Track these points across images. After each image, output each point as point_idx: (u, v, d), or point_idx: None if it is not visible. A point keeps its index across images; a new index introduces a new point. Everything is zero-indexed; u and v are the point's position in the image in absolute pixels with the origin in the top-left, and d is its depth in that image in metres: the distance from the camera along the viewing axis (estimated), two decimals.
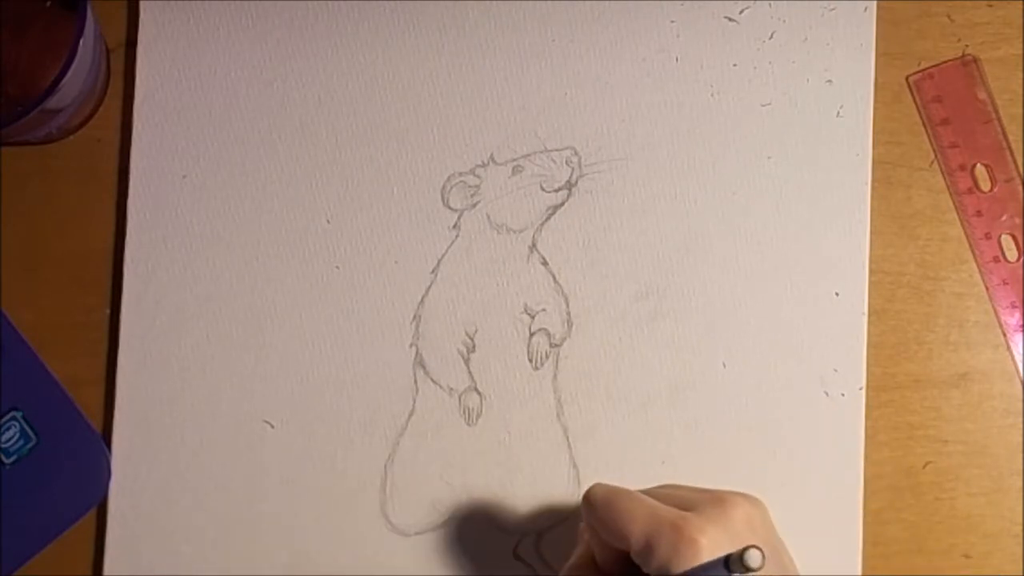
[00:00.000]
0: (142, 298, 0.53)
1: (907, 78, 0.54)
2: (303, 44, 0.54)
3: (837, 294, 0.53)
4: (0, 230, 0.53)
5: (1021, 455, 0.53)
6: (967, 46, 0.54)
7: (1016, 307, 0.54)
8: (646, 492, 0.45)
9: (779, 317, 0.53)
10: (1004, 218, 0.54)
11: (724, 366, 0.53)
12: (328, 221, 0.53)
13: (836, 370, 0.53)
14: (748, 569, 0.36)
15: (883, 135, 0.54)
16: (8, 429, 0.51)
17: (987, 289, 0.54)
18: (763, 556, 0.37)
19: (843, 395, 0.53)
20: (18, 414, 0.51)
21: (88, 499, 0.52)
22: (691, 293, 0.53)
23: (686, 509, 0.43)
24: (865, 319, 0.53)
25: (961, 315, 0.54)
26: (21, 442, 0.51)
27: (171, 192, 0.53)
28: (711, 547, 0.41)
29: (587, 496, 0.45)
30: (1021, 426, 0.53)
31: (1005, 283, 0.54)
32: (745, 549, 0.37)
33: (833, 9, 0.54)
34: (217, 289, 0.53)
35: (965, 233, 0.54)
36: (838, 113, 0.54)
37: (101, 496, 0.52)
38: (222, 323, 0.53)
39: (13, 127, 0.47)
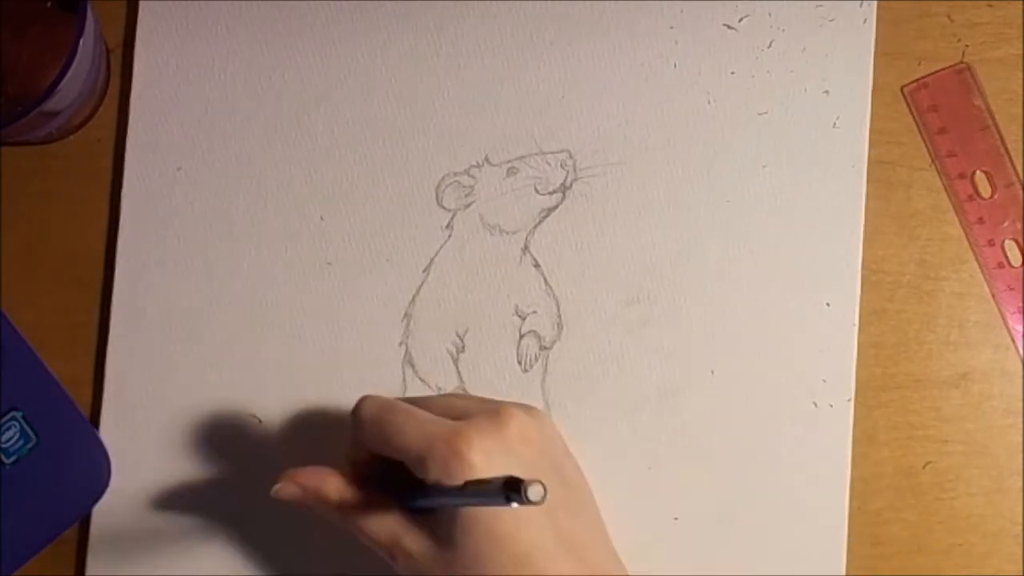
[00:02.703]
0: (133, 292, 0.53)
1: (902, 88, 0.54)
2: (300, 43, 0.54)
3: (828, 305, 0.53)
4: (0, 230, 0.53)
5: (1021, 455, 0.52)
6: (967, 46, 0.54)
7: (1022, 312, 0.53)
8: (422, 403, 0.44)
9: (769, 326, 0.53)
10: (1006, 223, 0.54)
11: (713, 373, 0.53)
12: (322, 218, 0.53)
13: (825, 381, 0.52)
14: (529, 502, 0.34)
15: (883, 135, 0.54)
16: (8, 429, 0.51)
17: (993, 296, 0.53)
18: (545, 491, 0.34)
19: (831, 406, 0.52)
20: (18, 414, 0.51)
21: (88, 499, 0.52)
22: (682, 300, 0.53)
23: (461, 419, 0.42)
24: (856, 330, 0.53)
25: (961, 315, 0.53)
26: (21, 442, 0.51)
27: (165, 187, 0.53)
28: (483, 460, 0.39)
29: (356, 412, 0.44)
30: (1021, 426, 0.53)
31: (1011, 289, 0.53)
32: (530, 482, 0.34)
33: (832, 20, 0.54)
34: (209, 284, 0.53)
35: (968, 241, 0.54)
36: (835, 124, 0.53)
37: (101, 496, 0.52)
38: (213, 318, 0.53)
39: (13, 127, 0.47)
